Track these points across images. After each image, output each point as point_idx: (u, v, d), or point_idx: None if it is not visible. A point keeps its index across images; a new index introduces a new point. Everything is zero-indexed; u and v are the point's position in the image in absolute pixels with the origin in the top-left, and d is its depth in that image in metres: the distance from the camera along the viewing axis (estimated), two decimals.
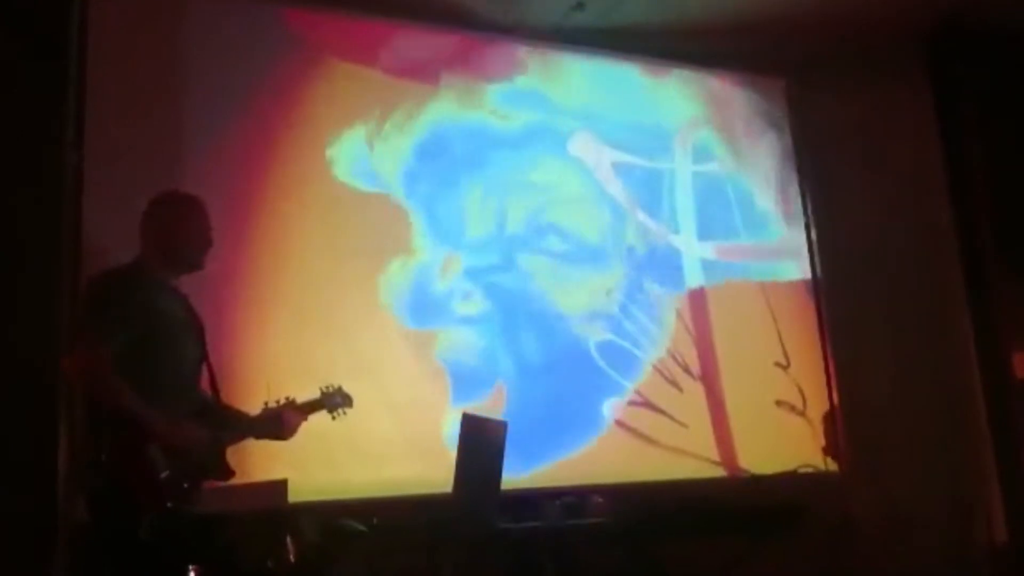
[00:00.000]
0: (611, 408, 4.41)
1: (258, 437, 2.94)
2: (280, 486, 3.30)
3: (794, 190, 5.17)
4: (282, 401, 2.97)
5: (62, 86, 3.54)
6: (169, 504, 2.57)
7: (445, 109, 4.40)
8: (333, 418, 3.13)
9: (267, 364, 3.68)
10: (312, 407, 3.07)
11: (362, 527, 3.23)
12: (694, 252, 4.84)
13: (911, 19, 4.77)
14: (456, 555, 3.57)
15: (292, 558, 3.22)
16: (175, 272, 2.85)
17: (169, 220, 2.86)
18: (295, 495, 3.37)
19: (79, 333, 2.70)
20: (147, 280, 2.75)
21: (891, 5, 4.62)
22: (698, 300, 4.78)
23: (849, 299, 4.98)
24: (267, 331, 3.77)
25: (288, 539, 3.24)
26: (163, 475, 2.56)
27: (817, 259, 5.09)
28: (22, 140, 3.43)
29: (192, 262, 2.88)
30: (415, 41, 4.40)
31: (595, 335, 4.46)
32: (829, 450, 4.81)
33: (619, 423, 4.41)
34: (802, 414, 4.84)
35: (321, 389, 3.13)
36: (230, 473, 2.80)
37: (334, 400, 3.14)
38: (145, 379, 2.59)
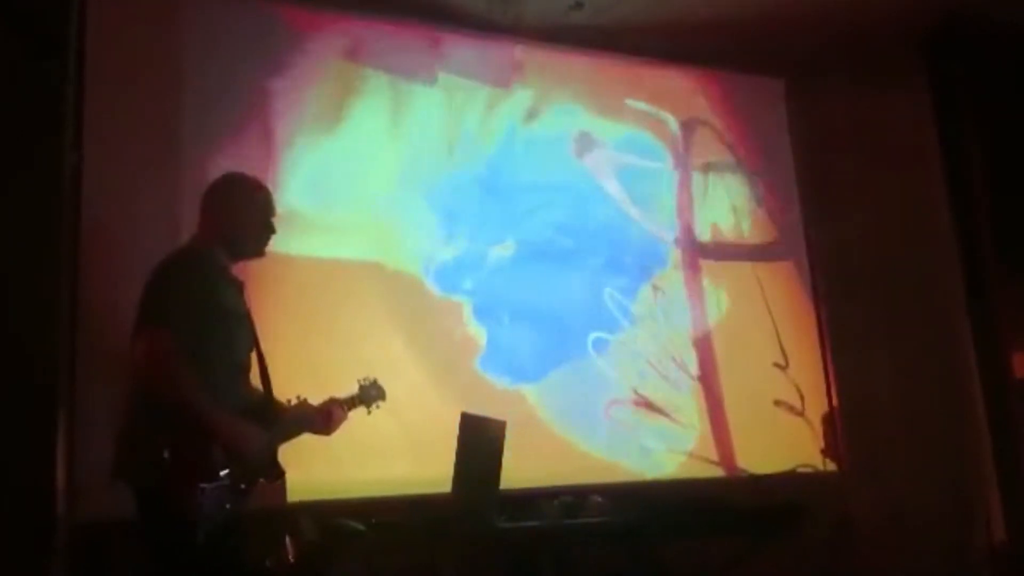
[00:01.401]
0: (610, 408, 4.41)
1: (300, 433, 2.88)
2: (279, 486, 3.30)
3: (793, 190, 5.17)
4: (293, 401, 2.92)
5: (61, 86, 3.53)
6: (228, 506, 2.51)
7: (445, 109, 4.39)
8: (369, 412, 3.11)
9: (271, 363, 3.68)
10: (353, 402, 3.05)
11: (361, 526, 3.23)
12: (692, 252, 4.84)
13: (910, 19, 4.77)
14: (455, 554, 3.58)
15: (291, 557, 3.23)
16: (234, 258, 2.76)
17: (231, 202, 2.76)
18: (294, 494, 3.38)
19: (142, 318, 2.54)
20: (211, 266, 2.66)
21: (890, 5, 4.63)
22: (697, 300, 4.78)
23: (848, 299, 4.98)
24: (267, 332, 3.76)
25: (287, 538, 3.25)
26: (223, 475, 2.50)
27: (816, 259, 5.09)
28: (21, 140, 3.43)
29: (252, 248, 2.80)
30: (413, 40, 4.40)
31: (593, 334, 4.46)
32: (828, 452, 4.82)
33: (618, 423, 4.41)
34: (801, 414, 4.84)
35: (359, 382, 3.10)
36: (281, 473, 2.75)
37: (370, 393, 3.11)
38: (202, 370, 2.50)
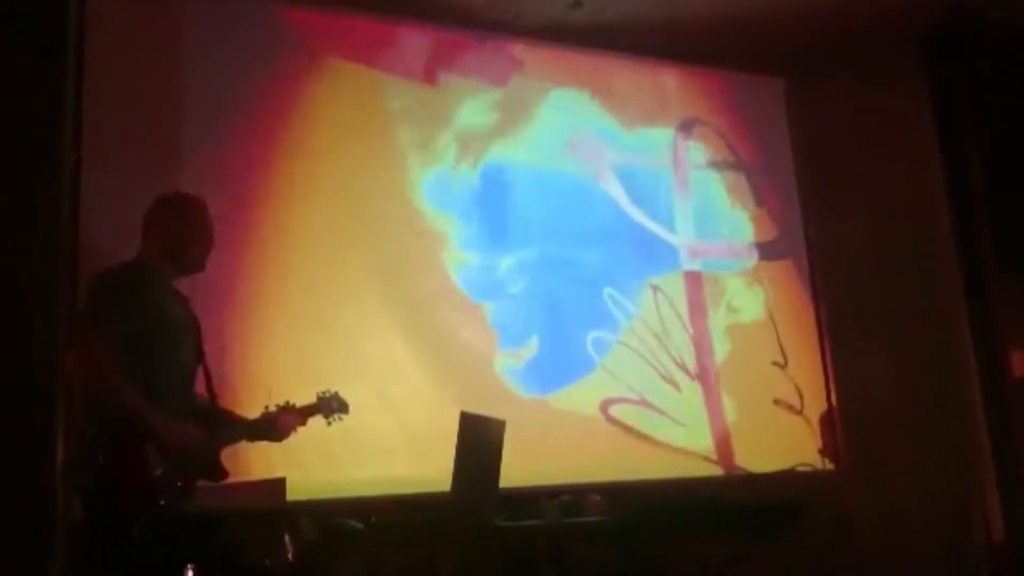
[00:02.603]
0: (609, 407, 4.41)
1: (252, 440, 2.96)
2: (278, 485, 3.31)
3: (792, 188, 5.17)
4: (282, 404, 2.99)
5: (61, 86, 3.54)
6: (163, 503, 2.56)
7: (442, 109, 4.40)
8: (329, 424, 3.15)
9: (267, 365, 3.68)
10: (309, 411, 3.09)
11: (360, 525, 3.24)
12: (692, 251, 4.84)
13: (909, 18, 4.77)
14: (455, 553, 3.58)
15: (290, 557, 3.23)
16: (176, 273, 2.85)
17: (172, 221, 2.85)
18: (293, 494, 3.39)
19: (80, 329, 2.68)
20: (150, 279, 2.74)
21: (890, 4, 4.63)
22: (696, 299, 4.78)
23: (847, 298, 4.99)
24: (267, 333, 3.77)
25: (286, 538, 3.25)
26: (157, 473, 2.56)
27: (815, 258, 5.10)
28: (21, 140, 3.43)
29: (194, 263, 2.89)
30: (413, 40, 4.40)
31: (592, 334, 4.47)
32: (826, 452, 4.82)
33: (617, 422, 4.42)
34: (800, 413, 4.85)
35: (318, 394, 3.14)
36: (224, 474, 2.80)
37: (330, 406, 3.15)
38: (143, 378, 2.58)
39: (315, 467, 3.59)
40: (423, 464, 3.78)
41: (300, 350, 3.79)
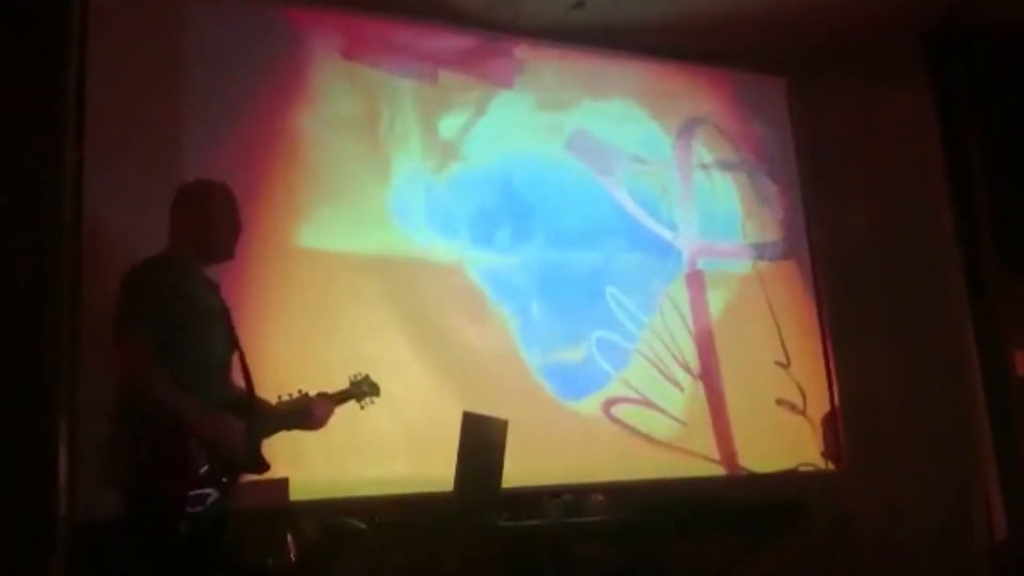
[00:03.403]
0: (611, 406, 4.41)
1: (289, 428, 2.94)
2: (281, 485, 3.31)
3: (795, 188, 5.17)
4: (294, 395, 2.96)
5: (62, 85, 3.54)
6: (209, 500, 2.55)
7: (443, 109, 4.40)
8: (362, 407, 3.15)
9: (268, 365, 3.66)
10: (342, 397, 3.09)
11: (362, 525, 3.24)
12: (695, 251, 4.84)
13: (911, 17, 4.77)
14: (456, 553, 3.58)
15: (293, 556, 3.23)
16: (206, 260, 2.85)
17: (197, 209, 2.84)
18: (295, 494, 3.39)
19: (116, 323, 2.63)
20: (181, 270, 2.74)
21: (891, 3, 4.62)
22: (699, 298, 4.78)
23: (850, 297, 4.98)
24: (269, 332, 3.77)
25: (289, 537, 3.25)
26: (203, 470, 2.54)
27: (818, 258, 5.09)
28: (22, 140, 3.43)
29: (223, 250, 2.88)
30: (414, 39, 4.40)
31: (595, 333, 4.46)
32: (828, 453, 4.82)
33: (619, 421, 4.42)
34: (802, 413, 4.85)
35: (350, 379, 3.15)
36: (265, 466, 2.80)
37: (361, 389, 3.15)
38: (180, 369, 2.58)
39: (317, 467, 3.59)
40: (425, 464, 3.78)
41: (302, 350, 3.78)
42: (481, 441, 3.13)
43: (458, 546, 3.50)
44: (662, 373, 4.58)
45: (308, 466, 3.52)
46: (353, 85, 4.22)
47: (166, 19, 3.88)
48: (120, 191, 3.56)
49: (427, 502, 3.52)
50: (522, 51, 4.65)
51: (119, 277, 2.73)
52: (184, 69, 3.85)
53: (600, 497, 3.78)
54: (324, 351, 3.80)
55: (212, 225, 2.85)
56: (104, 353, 3.34)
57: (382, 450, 3.82)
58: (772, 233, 5.07)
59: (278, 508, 3.35)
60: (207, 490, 2.55)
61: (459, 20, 4.48)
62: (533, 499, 3.62)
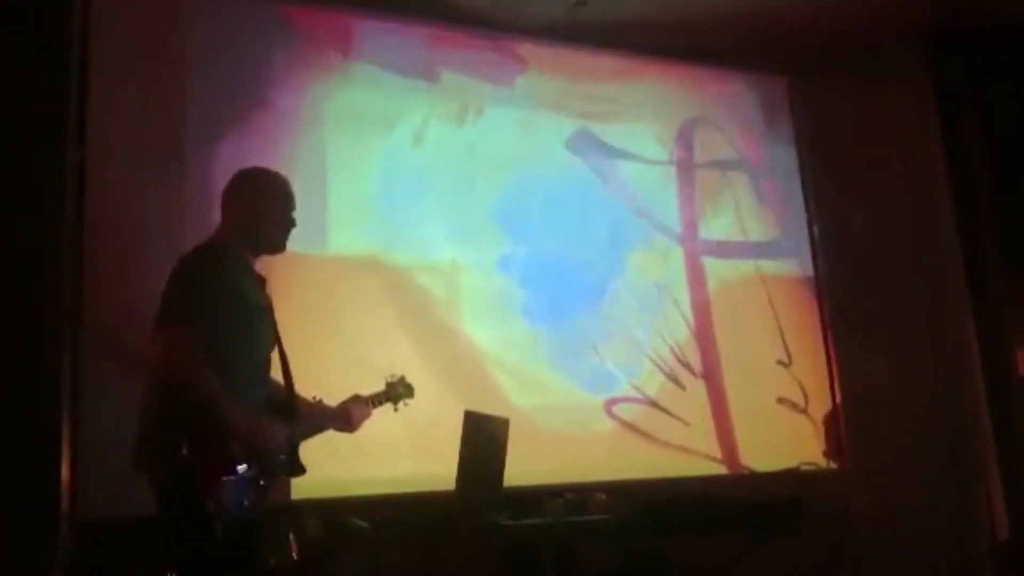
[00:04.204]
0: (613, 405, 4.41)
1: (326, 430, 2.91)
2: (282, 484, 3.31)
3: (796, 187, 5.17)
4: (317, 397, 2.93)
5: (63, 85, 3.54)
6: (246, 502, 2.50)
7: (444, 108, 4.39)
8: (396, 409, 3.13)
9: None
10: (379, 399, 3.06)
11: (364, 524, 3.23)
12: (696, 250, 4.84)
13: (912, 16, 4.77)
14: (459, 552, 3.58)
15: (295, 555, 3.23)
16: (256, 252, 2.76)
17: (250, 197, 2.75)
18: (298, 492, 3.38)
19: (162, 314, 2.53)
20: (229, 261, 2.65)
21: (892, 2, 4.62)
22: (700, 298, 4.78)
23: (851, 297, 4.98)
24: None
25: (291, 536, 3.25)
26: (243, 472, 2.50)
27: (819, 256, 5.09)
28: (23, 139, 3.43)
29: (275, 242, 2.79)
30: (416, 38, 4.40)
31: (596, 332, 4.46)
32: (831, 453, 4.81)
33: (621, 421, 4.42)
34: (804, 412, 4.84)
35: (386, 380, 3.13)
36: (302, 470, 2.75)
37: (397, 391, 3.13)
38: (224, 368, 2.50)
39: (319, 465, 3.58)
40: (427, 463, 3.77)
41: (303, 349, 3.77)
42: (483, 440, 3.13)
43: (460, 545, 3.50)
44: (664, 372, 4.58)
45: (310, 465, 3.51)
46: (354, 85, 4.22)
47: (167, 19, 3.88)
48: (120, 191, 3.56)
49: (429, 501, 3.51)
50: (524, 50, 4.64)
51: (174, 264, 2.63)
52: (185, 69, 3.85)
53: (602, 496, 3.77)
54: (324, 351, 3.80)
55: (267, 216, 2.75)
56: (104, 352, 3.38)
57: (384, 449, 3.81)
58: (773, 232, 5.07)
59: (280, 507, 3.35)
60: (244, 492, 2.50)
61: (461, 19, 4.48)
62: (535, 498, 3.61)
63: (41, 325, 3.34)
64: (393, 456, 3.84)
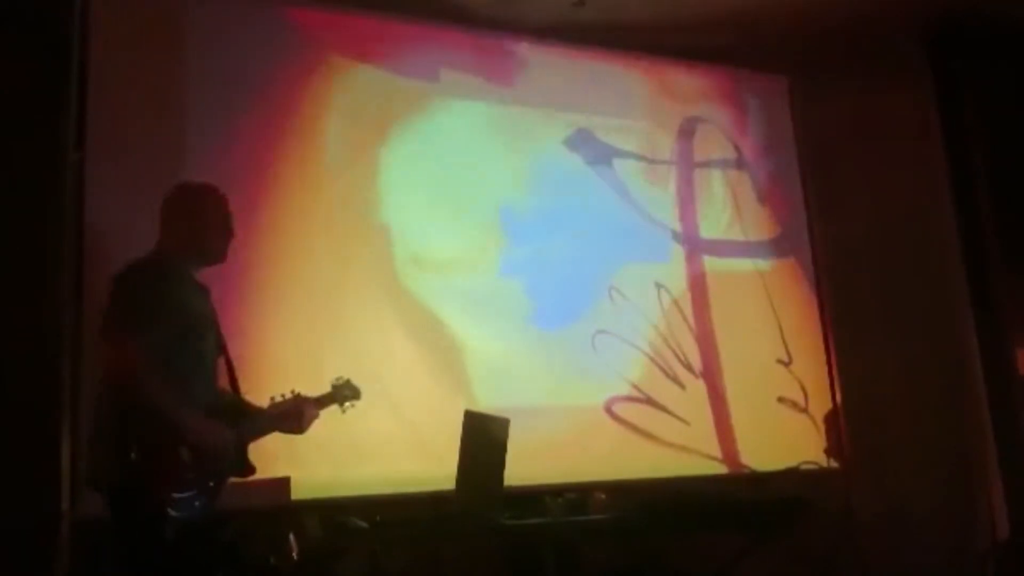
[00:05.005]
0: (612, 404, 4.41)
1: (276, 431, 2.94)
2: (283, 484, 3.31)
3: (796, 186, 5.17)
4: (288, 395, 2.96)
5: (64, 84, 3.54)
6: (197, 503, 2.56)
7: (444, 108, 4.39)
8: (343, 411, 3.14)
9: (269, 365, 3.68)
10: (325, 401, 3.08)
11: (364, 524, 3.23)
12: (696, 248, 4.84)
13: (913, 16, 4.77)
14: (459, 552, 3.58)
15: (295, 555, 3.23)
16: (198, 264, 2.82)
17: (189, 211, 2.81)
18: (297, 493, 3.39)
19: (106, 324, 2.62)
20: (170, 273, 2.71)
21: (894, 2, 4.62)
22: (700, 297, 4.78)
23: (851, 296, 4.98)
24: (272, 328, 3.77)
25: (291, 536, 3.25)
26: (191, 474, 2.55)
27: (819, 256, 5.09)
28: (23, 139, 3.43)
29: (215, 254, 2.86)
30: (416, 39, 4.40)
31: (595, 330, 4.46)
32: (832, 452, 4.81)
33: (621, 420, 4.42)
34: (804, 411, 4.84)
35: (332, 383, 3.14)
36: (251, 470, 2.80)
37: (343, 393, 3.14)
38: (170, 375, 2.57)
39: (319, 466, 3.59)
40: (427, 463, 3.77)
41: (304, 349, 3.78)
42: (483, 439, 3.13)
43: (460, 544, 3.50)
44: (664, 371, 4.58)
45: (310, 465, 3.52)
46: (354, 84, 4.21)
47: (167, 18, 3.88)
48: (120, 191, 3.56)
49: (429, 501, 3.52)
50: (524, 49, 4.64)
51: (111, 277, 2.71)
52: (185, 69, 3.85)
53: (602, 496, 3.78)
54: (325, 351, 3.80)
55: (205, 228, 2.82)
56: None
57: (384, 449, 3.82)
58: (773, 231, 5.07)
59: (280, 507, 3.35)
60: (195, 493, 2.55)
61: (461, 19, 4.48)
62: (535, 497, 3.62)
63: (39, 325, 3.34)
64: (393, 456, 3.84)
